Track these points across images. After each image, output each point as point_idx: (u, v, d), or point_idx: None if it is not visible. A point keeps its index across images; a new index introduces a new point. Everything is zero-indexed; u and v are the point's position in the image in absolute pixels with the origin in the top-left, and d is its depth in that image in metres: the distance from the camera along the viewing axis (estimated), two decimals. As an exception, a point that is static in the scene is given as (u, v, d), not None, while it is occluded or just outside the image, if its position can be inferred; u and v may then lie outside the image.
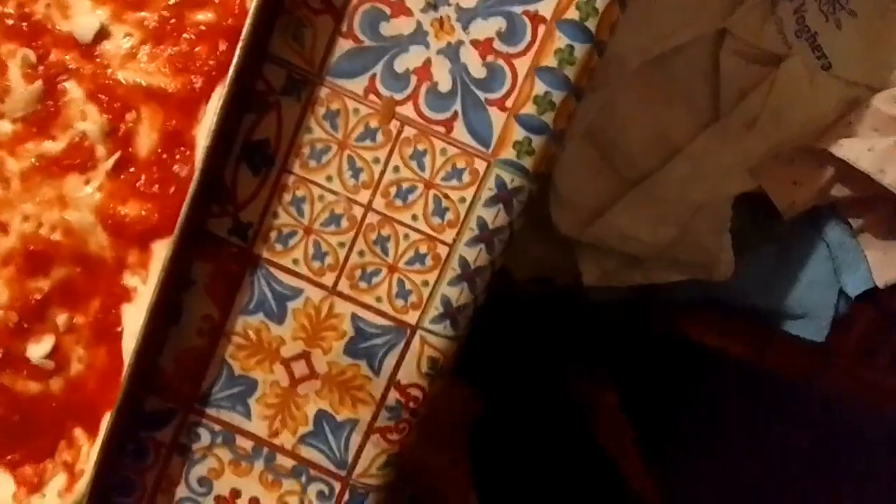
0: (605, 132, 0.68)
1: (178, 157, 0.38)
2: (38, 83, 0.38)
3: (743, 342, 0.89)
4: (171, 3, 0.37)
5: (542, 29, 0.38)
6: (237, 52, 0.37)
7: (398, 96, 0.39)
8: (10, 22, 0.38)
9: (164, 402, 0.42)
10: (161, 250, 0.39)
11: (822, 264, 0.78)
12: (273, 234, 0.41)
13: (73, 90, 0.39)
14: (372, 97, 0.40)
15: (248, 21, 0.36)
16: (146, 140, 0.39)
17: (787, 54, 0.69)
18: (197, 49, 0.38)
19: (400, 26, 0.39)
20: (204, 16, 0.38)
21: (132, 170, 0.39)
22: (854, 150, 0.68)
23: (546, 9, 0.38)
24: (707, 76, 0.71)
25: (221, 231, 0.41)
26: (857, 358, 0.89)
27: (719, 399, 0.88)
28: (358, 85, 0.40)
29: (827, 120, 0.71)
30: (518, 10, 0.38)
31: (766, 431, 0.89)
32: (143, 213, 0.39)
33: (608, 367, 0.95)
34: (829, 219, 0.77)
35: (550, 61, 0.38)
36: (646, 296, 0.85)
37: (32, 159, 0.39)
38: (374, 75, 0.39)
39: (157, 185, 0.39)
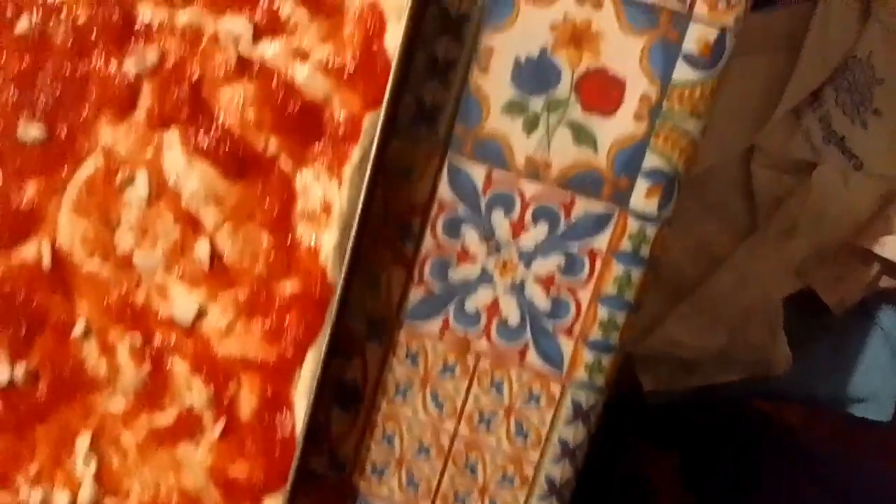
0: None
1: (278, 418, 0.42)
2: (147, 364, 0.42)
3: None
4: (258, 277, 0.41)
5: (599, 261, 0.41)
6: (325, 325, 0.40)
7: (471, 333, 0.42)
8: (115, 309, 0.42)
9: None
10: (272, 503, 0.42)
11: (879, 349, 0.78)
12: (368, 467, 0.44)
13: (178, 365, 0.42)
14: (447, 335, 0.42)
15: (334, 298, 0.39)
16: (247, 405, 0.42)
17: (819, 160, 0.71)
18: (287, 320, 0.41)
19: (467, 271, 0.42)
20: (290, 286, 0.41)
21: (237, 433, 0.42)
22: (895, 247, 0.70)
23: (600, 243, 0.40)
24: (741, 189, 0.73)
25: (320, 467, 0.44)
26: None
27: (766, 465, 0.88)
28: (433, 326, 0.42)
29: (865, 216, 0.72)
30: (575, 246, 0.41)
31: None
32: (252, 472, 0.42)
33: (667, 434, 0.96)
34: (880, 304, 0.78)
35: (611, 289, 0.41)
36: (705, 393, 0.86)
37: (146, 431, 0.43)
38: (447, 316, 0.42)
39: (261, 446, 0.42)
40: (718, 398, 0.88)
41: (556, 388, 0.42)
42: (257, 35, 0.38)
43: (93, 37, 0.38)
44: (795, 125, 0.72)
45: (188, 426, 0.42)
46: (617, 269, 0.41)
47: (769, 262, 0.74)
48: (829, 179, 0.72)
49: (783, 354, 0.80)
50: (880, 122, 0.73)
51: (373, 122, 0.39)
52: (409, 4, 0.36)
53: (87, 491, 0.43)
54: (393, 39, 0.37)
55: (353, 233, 0.39)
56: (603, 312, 0.41)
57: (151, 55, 0.39)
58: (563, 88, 0.39)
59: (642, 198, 0.40)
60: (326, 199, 0.41)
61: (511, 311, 0.42)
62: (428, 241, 0.41)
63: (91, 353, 0.42)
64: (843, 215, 0.73)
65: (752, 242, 0.74)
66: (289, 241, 0.41)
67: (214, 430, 0.42)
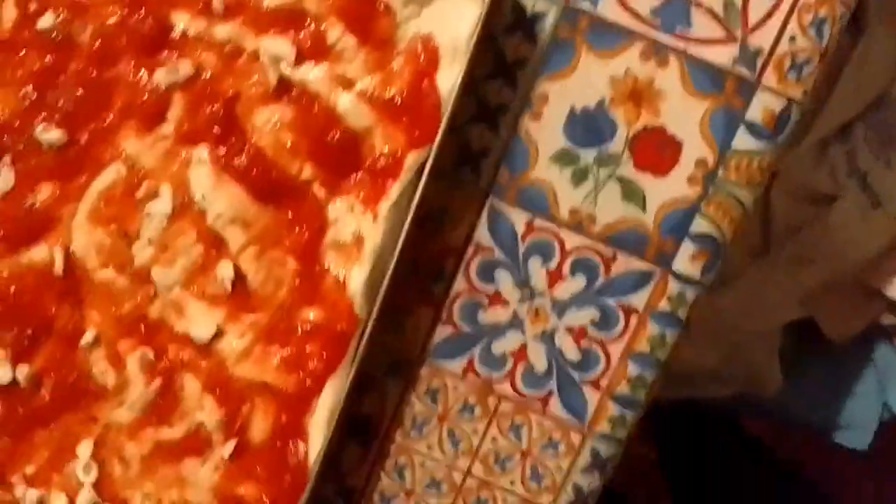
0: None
1: (291, 446, 0.41)
2: (157, 381, 0.40)
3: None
4: (281, 304, 0.40)
5: (634, 319, 0.40)
6: (347, 360, 0.39)
7: (496, 375, 0.41)
8: (127, 321, 0.41)
9: None
10: (279, 531, 0.41)
11: (868, 380, 0.79)
12: (376, 497, 0.43)
13: (190, 383, 0.41)
14: (470, 376, 0.42)
15: (359, 334, 0.38)
16: (260, 429, 0.41)
17: (839, 194, 0.70)
18: (308, 349, 0.40)
19: (497, 315, 0.41)
20: (314, 314, 0.40)
21: (247, 456, 0.41)
22: (906, 290, 0.69)
23: (639, 301, 0.39)
24: (758, 212, 0.72)
25: (328, 494, 0.44)
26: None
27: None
28: (457, 365, 0.41)
29: (878, 254, 0.72)
30: (611, 302, 0.40)
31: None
32: (260, 496, 0.41)
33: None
34: (876, 339, 0.78)
35: (643, 347, 0.40)
36: (692, 404, 0.87)
37: (151, 445, 0.42)
38: (472, 357, 0.41)
39: (271, 471, 0.41)
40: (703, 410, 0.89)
41: (576, 438, 0.42)
42: (300, 58, 0.36)
43: (122, 42, 0.36)
44: (821, 156, 0.71)
45: (196, 444, 0.41)
46: (652, 328, 0.40)
47: (777, 287, 0.74)
48: (847, 214, 0.72)
49: (775, 377, 0.80)
50: (904, 162, 0.72)
51: (417, 162, 0.37)
52: (469, 47, 0.34)
53: (85, 497, 0.42)
54: (446, 79, 0.35)
55: (388, 272, 0.38)
56: (633, 369, 0.40)
57: (185, 67, 0.36)
58: (617, 143, 0.37)
59: (686, 261, 0.38)
60: (359, 232, 0.39)
61: (538, 358, 0.41)
62: (460, 283, 0.40)
63: (98, 364, 0.41)
64: (856, 252, 0.72)
65: (763, 266, 0.74)
66: (315, 271, 0.40)
67: (224, 451, 0.41)
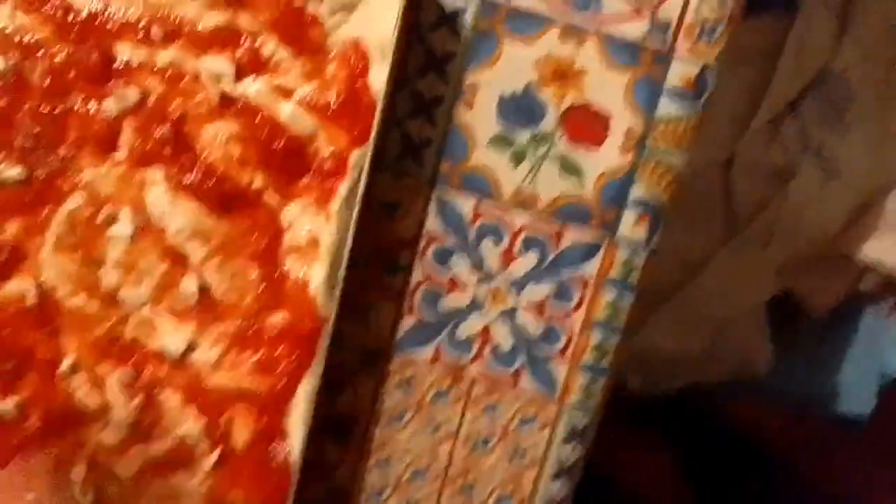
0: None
1: (272, 447, 0.42)
2: (139, 398, 0.42)
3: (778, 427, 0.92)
4: (247, 310, 0.41)
5: (589, 288, 0.41)
6: (317, 357, 0.40)
7: (464, 359, 0.43)
8: (103, 344, 0.42)
9: None
10: (268, 534, 0.42)
11: (859, 346, 0.80)
12: (365, 493, 0.44)
13: (170, 399, 0.42)
14: (440, 363, 0.43)
15: (325, 330, 0.39)
16: (241, 436, 0.42)
17: (796, 169, 0.72)
18: (278, 351, 0.41)
19: (457, 300, 0.42)
20: (280, 316, 0.41)
21: (232, 462, 0.42)
22: (876, 249, 0.71)
23: (590, 271, 0.41)
24: (720, 197, 0.74)
25: (316, 498, 0.44)
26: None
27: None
28: (425, 353, 0.43)
29: (841, 224, 0.73)
30: (565, 275, 0.41)
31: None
32: (248, 500, 0.42)
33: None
34: (860, 303, 0.79)
35: (601, 315, 0.41)
36: (691, 389, 0.87)
37: (140, 461, 0.43)
38: (439, 344, 0.43)
39: (257, 475, 0.42)
40: (701, 394, 0.90)
41: (551, 411, 0.43)
42: (240, 73, 0.38)
43: (71, 77, 0.38)
44: (775, 132, 0.73)
45: (182, 456, 0.42)
46: (607, 295, 0.41)
47: (748, 268, 0.75)
48: (805, 187, 0.73)
49: (765, 353, 0.81)
50: (856, 129, 0.74)
51: (360, 158, 0.39)
52: (393, 42, 0.36)
53: (83, 523, 0.43)
54: (377, 77, 0.37)
55: (343, 266, 0.40)
56: (595, 337, 0.42)
57: (132, 94, 0.38)
58: (549, 123, 0.39)
59: (630, 227, 0.40)
60: (314, 233, 0.41)
61: (503, 337, 0.42)
62: (417, 273, 0.42)
63: (80, 388, 0.42)
64: (819, 223, 0.74)
65: (732, 249, 0.75)
66: (277, 275, 0.41)
67: (209, 460, 0.42)
